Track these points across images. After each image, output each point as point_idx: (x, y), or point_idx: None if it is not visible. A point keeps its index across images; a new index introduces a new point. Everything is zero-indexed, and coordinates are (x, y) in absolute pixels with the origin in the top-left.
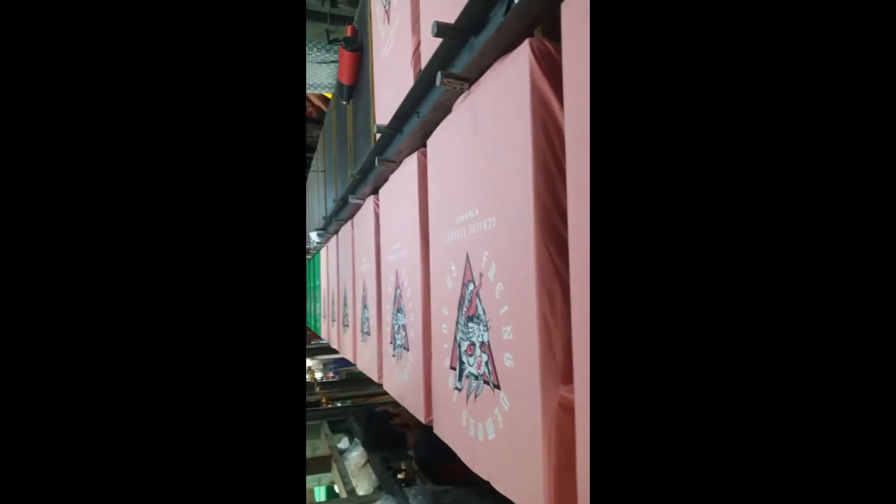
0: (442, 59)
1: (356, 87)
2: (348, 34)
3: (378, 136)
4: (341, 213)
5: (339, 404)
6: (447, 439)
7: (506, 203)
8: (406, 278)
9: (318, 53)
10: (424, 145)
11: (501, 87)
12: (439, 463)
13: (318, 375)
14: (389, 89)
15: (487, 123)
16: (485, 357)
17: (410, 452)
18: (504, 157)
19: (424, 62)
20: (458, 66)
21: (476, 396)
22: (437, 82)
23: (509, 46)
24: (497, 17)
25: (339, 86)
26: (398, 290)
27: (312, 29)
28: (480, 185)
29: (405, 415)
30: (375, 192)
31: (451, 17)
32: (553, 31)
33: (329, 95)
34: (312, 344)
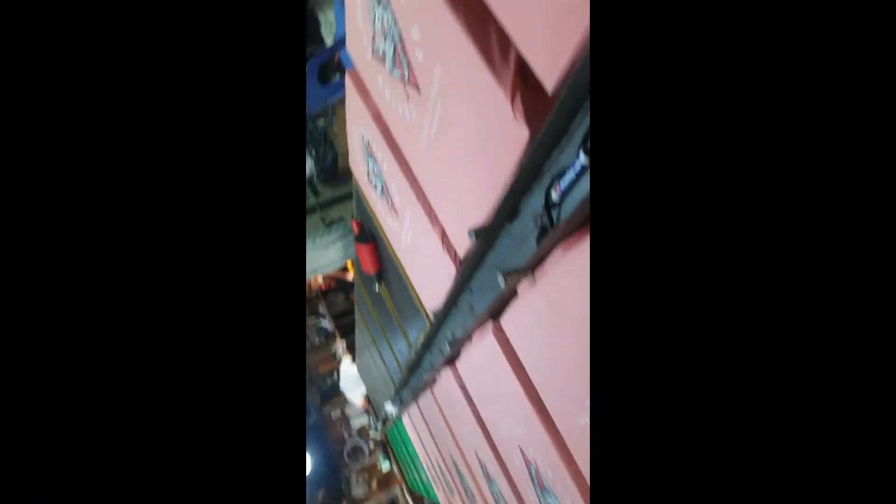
0: (482, 253)
1: (382, 269)
2: (356, 232)
3: (433, 316)
4: (412, 382)
5: None
6: None
7: None
8: (539, 459)
9: (322, 239)
10: (492, 317)
11: (581, 278)
12: None
13: None
14: (428, 275)
15: (576, 310)
16: None
17: None
18: None
19: (458, 247)
20: (513, 259)
21: None
22: (502, 285)
23: (567, 231)
24: (533, 205)
25: (365, 277)
26: (532, 468)
27: (308, 223)
28: None
29: None
30: (449, 363)
31: (463, 205)
32: None
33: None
34: None
